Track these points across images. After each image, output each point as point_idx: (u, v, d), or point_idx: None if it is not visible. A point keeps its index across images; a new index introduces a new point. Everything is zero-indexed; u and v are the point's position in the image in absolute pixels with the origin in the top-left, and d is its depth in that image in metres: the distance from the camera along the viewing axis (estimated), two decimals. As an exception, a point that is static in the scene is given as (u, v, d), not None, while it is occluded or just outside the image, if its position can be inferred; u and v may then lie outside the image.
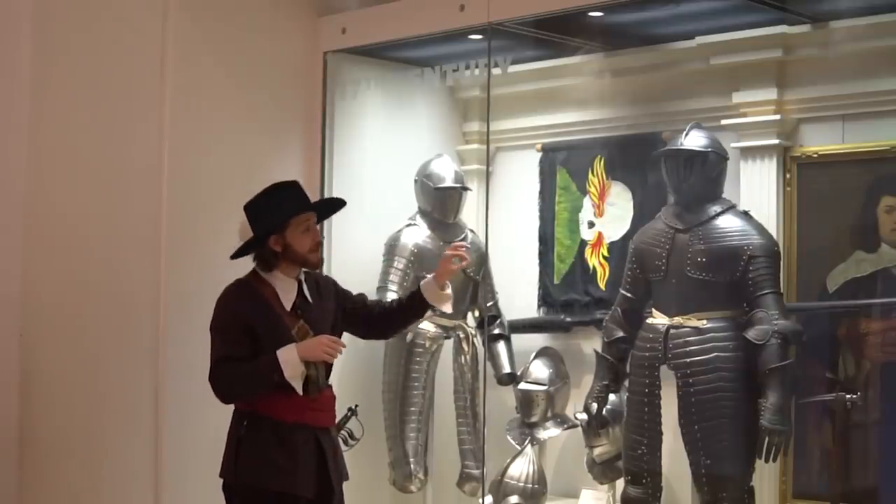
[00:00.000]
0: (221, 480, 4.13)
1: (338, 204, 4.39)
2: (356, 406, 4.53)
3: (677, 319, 4.85)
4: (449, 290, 4.25)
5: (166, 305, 5.21)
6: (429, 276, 4.28)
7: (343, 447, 4.32)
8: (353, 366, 5.38)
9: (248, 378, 3.99)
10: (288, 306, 4.08)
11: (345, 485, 4.18)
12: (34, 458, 4.99)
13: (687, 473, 4.82)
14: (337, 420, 4.31)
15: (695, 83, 5.44)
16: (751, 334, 4.68)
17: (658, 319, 4.92)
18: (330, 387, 4.17)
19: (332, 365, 4.16)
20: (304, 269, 4.16)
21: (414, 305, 4.26)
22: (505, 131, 6.12)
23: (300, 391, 3.97)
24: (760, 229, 4.82)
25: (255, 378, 3.98)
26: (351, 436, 4.42)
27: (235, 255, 4.14)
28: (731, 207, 4.89)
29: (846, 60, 4.90)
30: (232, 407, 4.12)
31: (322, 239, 4.19)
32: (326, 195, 5.70)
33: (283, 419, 3.98)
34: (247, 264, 4.99)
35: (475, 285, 5.79)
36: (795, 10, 4.99)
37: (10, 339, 4.98)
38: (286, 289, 4.09)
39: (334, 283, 4.33)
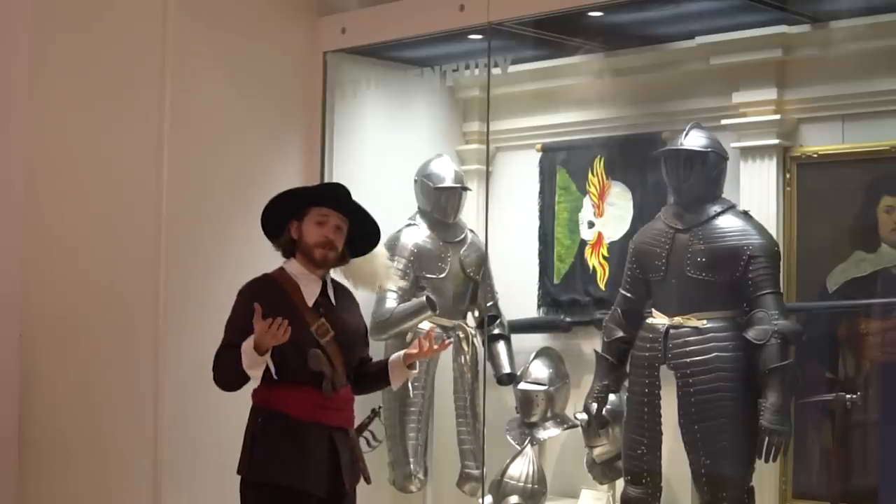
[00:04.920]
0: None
1: (371, 232, 4.32)
2: (379, 408, 4.52)
3: (677, 319, 4.85)
4: (415, 371, 4.30)
5: (166, 305, 5.20)
6: (400, 352, 4.29)
7: (365, 449, 4.31)
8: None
9: (227, 366, 4.02)
10: (310, 302, 4.09)
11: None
12: (34, 458, 5.00)
13: (687, 473, 4.82)
14: (360, 422, 4.30)
15: (695, 83, 5.44)
16: (751, 334, 4.68)
17: (658, 319, 4.92)
18: (347, 386, 4.15)
19: (349, 364, 4.16)
20: (329, 274, 4.18)
21: (380, 378, 4.29)
22: (505, 131, 6.12)
23: (256, 380, 3.97)
24: (760, 229, 4.82)
25: (230, 366, 4.00)
26: (374, 437, 4.41)
27: (266, 232, 4.21)
28: (730, 207, 4.89)
29: (846, 60, 4.89)
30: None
31: (338, 245, 4.12)
32: (326, 195, 5.70)
33: (297, 416, 3.99)
34: (244, 265, 4.99)
35: (475, 285, 5.79)
36: (795, 10, 4.98)
37: (10, 339, 4.99)
38: (310, 285, 4.11)
39: (357, 304, 4.38)
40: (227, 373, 4.04)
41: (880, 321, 4.89)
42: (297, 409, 4.00)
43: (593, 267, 5.84)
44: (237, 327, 4.04)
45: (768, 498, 5.03)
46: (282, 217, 4.16)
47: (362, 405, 4.34)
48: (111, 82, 5.16)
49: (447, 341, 4.42)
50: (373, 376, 4.29)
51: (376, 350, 5.57)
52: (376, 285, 5.34)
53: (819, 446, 5.00)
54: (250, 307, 4.01)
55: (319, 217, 4.10)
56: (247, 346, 3.93)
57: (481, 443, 5.59)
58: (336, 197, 4.17)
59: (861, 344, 4.92)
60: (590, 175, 5.86)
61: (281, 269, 4.17)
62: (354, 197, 4.25)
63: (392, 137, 6.02)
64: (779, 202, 5.14)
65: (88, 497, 5.10)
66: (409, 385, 5.46)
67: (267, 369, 3.99)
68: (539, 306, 6.06)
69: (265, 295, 4.05)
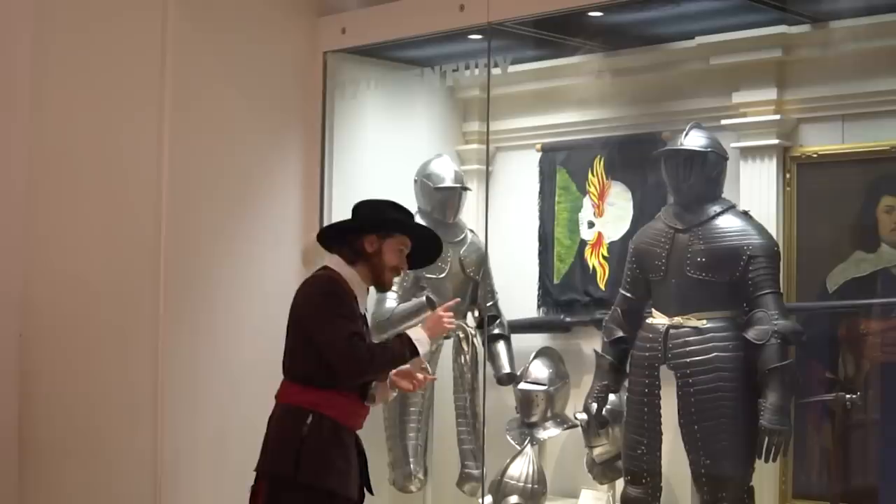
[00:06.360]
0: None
1: (430, 257, 4.40)
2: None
3: (677, 319, 4.85)
4: (395, 394, 4.33)
5: (166, 305, 5.21)
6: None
7: None
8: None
9: (387, 356, 4.03)
10: (362, 310, 4.13)
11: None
12: (34, 458, 5.00)
13: (687, 473, 4.82)
14: None
15: (695, 83, 5.44)
16: (750, 334, 4.68)
17: (658, 319, 4.92)
18: None
19: None
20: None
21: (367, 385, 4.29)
22: (505, 131, 6.12)
23: (428, 367, 4.09)
24: (760, 229, 4.82)
25: (393, 355, 4.04)
26: None
27: (327, 234, 4.21)
28: (730, 207, 4.89)
29: (846, 60, 4.90)
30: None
31: (404, 272, 4.24)
32: (326, 195, 5.71)
33: (342, 422, 4.02)
34: (244, 264, 4.98)
35: (475, 285, 5.80)
36: (795, 10, 4.99)
37: (10, 339, 4.99)
38: (363, 294, 4.14)
39: None
40: (380, 362, 4.03)
41: (880, 321, 4.89)
42: (343, 415, 4.02)
43: (593, 267, 5.84)
44: (348, 316, 4.01)
45: (768, 498, 5.03)
46: (362, 226, 4.14)
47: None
48: (111, 82, 5.16)
49: (431, 377, 4.42)
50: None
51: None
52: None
53: (819, 446, 5.00)
54: (351, 300, 4.02)
55: (402, 245, 4.14)
56: (419, 335, 4.06)
57: (481, 443, 5.59)
58: (422, 234, 4.26)
59: (861, 344, 4.92)
60: (590, 175, 5.86)
61: (335, 272, 4.10)
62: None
63: (392, 137, 6.02)
64: (779, 202, 5.14)
65: (88, 497, 5.10)
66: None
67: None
68: (539, 306, 6.07)
69: (346, 292, 4.04)
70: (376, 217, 4.17)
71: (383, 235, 4.10)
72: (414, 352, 4.03)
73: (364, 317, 4.13)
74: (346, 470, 4.01)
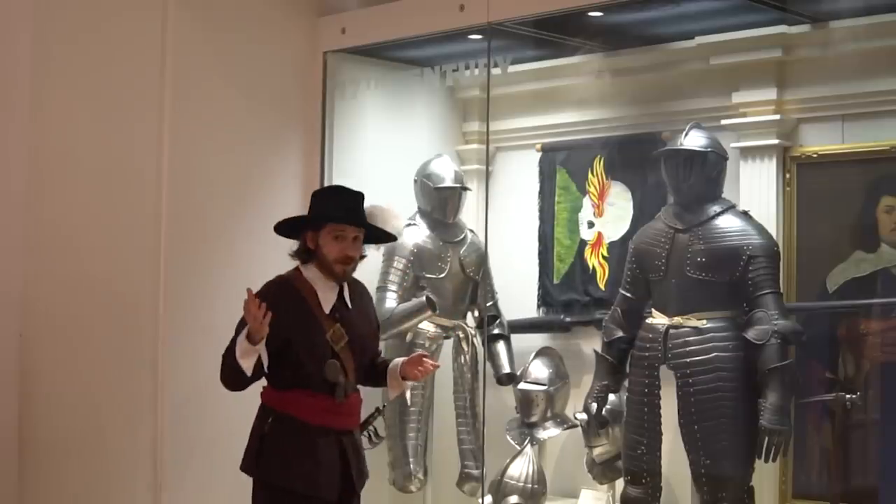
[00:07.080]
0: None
1: (387, 236, 4.28)
2: (384, 406, 4.52)
3: (677, 319, 4.85)
4: (410, 384, 4.29)
5: (166, 306, 5.21)
6: (402, 360, 4.25)
7: (366, 445, 4.30)
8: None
9: (224, 361, 3.91)
10: (327, 309, 4.04)
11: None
12: (34, 458, 5.00)
13: (687, 473, 4.82)
14: (363, 418, 4.29)
15: (695, 83, 5.44)
16: (750, 334, 4.68)
17: (658, 319, 4.92)
18: (357, 391, 4.15)
19: (361, 367, 4.14)
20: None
21: (379, 378, 4.27)
22: (505, 131, 6.13)
23: (248, 372, 3.83)
24: (760, 229, 4.82)
25: (226, 360, 3.90)
26: (375, 434, 4.41)
27: (281, 232, 4.13)
28: (730, 207, 4.90)
29: (846, 60, 4.90)
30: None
31: (358, 256, 4.10)
32: (326, 195, 5.70)
33: (308, 421, 3.97)
34: (244, 264, 4.98)
35: (475, 285, 5.80)
36: (795, 10, 4.99)
37: (10, 339, 4.99)
38: (326, 291, 4.06)
39: (370, 300, 4.38)
40: (225, 368, 3.93)
41: (880, 321, 4.89)
42: (309, 414, 3.97)
43: (593, 267, 5.84)
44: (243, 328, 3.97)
45: (768, 498, 5.04)
46: (295, 228, 4.11)
47: (366, 401, 4.33)
48: (111, 82, 5.16)
49: (434, 363, 4.36)
50: (378, 375, 4.27)
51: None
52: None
53: (819, 446, 5.00)
54: (310, 300, 3.98)
55: (336, 232, 4.04)
56: (241, 335, 3.84)
57: (481, 443, 5.59)
58: (351, 216, 4.08)
59: (861, 344, 4.92)
60: (590, 175, 5.87)
61: (297, 270, 4.10)
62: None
63: (392, 137, 6.03)
64: (779, 202, 5.14)
65: (88, 497, 5.10)
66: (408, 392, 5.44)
67: (261, 368, 3.91)
68: (539, 306, 6.07)
69: (281, 299, 3.96)
70: (299, 216, 4.14)
71: (316, 229, 4.05)
72: (237, 363, 3.83)
73: (332, 311, 4.03)
74: (313, 469, 3.94)
